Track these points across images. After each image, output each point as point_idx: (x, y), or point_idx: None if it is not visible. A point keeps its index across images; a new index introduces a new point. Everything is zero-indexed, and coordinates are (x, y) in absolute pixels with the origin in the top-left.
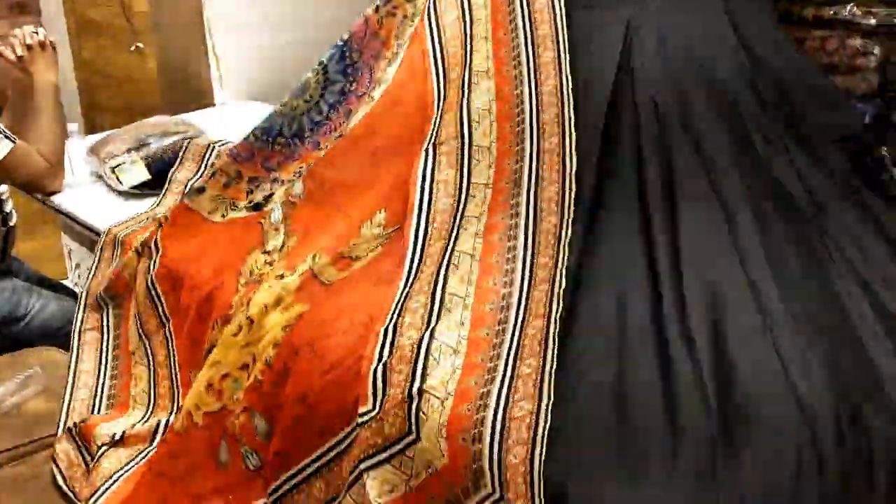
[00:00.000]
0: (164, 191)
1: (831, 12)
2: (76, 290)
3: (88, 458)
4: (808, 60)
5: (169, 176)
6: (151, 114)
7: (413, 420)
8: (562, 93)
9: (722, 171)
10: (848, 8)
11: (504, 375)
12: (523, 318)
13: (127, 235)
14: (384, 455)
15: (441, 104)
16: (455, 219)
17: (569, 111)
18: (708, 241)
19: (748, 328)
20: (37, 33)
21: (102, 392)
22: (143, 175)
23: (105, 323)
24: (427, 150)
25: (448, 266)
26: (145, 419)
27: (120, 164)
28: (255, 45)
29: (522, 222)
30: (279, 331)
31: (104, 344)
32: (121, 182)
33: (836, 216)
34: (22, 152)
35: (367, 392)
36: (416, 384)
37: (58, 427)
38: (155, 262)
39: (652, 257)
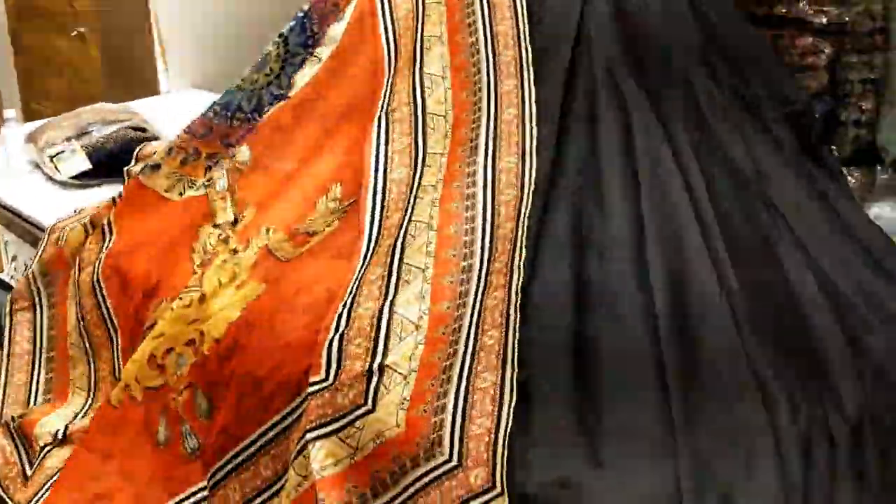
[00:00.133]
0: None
1: (783, 10)
2: (12, 283)
3: (28, 458)
4: (761, 37)
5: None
6: (93, 101)
7: (372, 393)
8: (521, 64)
9: (675, 138)
10: (800, 6)
11: (466, 348)
12: (484, 290)
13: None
14: (334, 426)
15: (392, 68)
16: (411, 188)
17: (529, 83)
18: (668, 207)
19: (707, 295)
20: None
21: (39, 376)
22: (83, 164)
23: (38, 301)
24: (380, 118)
25: (405, 236)
26: (85, 410)
27: (59, 153)
28: (202, 33)
29: (481, 193)
30: (233, 309)
31: (38, 324)
32: (59, 171)
33: (780, 186)
34: None
35: (321, 361)
36: (378, 359)
37: None
38: (104, 252)
39: (612, 224)
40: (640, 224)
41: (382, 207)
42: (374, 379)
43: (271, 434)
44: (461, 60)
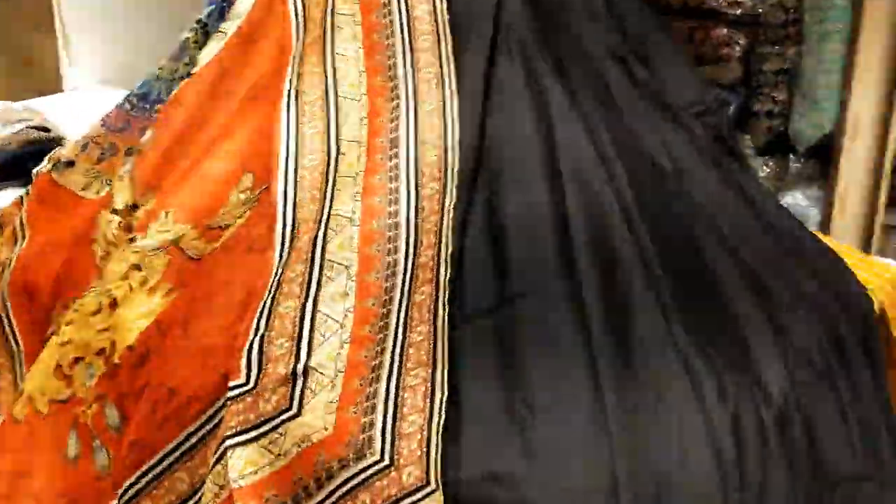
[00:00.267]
0: None
1: (698, 2)
2: None
3: None
4: (672, 38)
5: None
6: None
7: (297, 397)
8: (440, 51)
9: (595, 127)
10: None
11: (395, 346)
12: (410, 285)
13: None
14: (255, 433)
15: (301, 47)
16: (327, 177)
17: (448, 71)
18: (590, 196)
19: (633, 281)
20: None
21: None
22: None
23: None
24: (288, 100)
25: (326, 230)
26: None
27: None
28: (109, 26)
29: (404, 186)
30: (145, 315)
31: None
32: None
33: (696, 177)
34: None
35: (241, 365)
36: (302, 362)
37: None
38: (13, 257)
39: (537, 214)
40: (563, 213)
41: (295, 196)
42: (299, 382)
43: (187, 445)
44: (375, 42)
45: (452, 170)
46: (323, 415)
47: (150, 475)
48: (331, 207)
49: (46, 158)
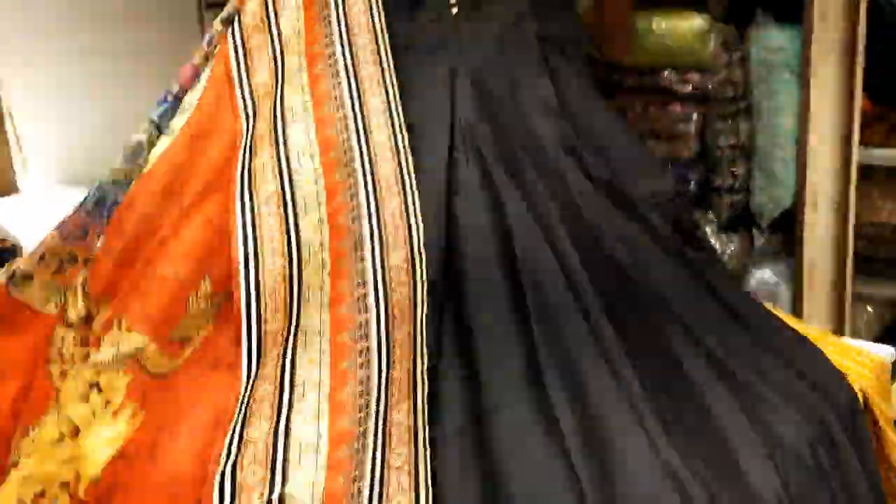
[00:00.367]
0: None
1: (648, 80)
2: None
3: None
4: (628, 128)
5: None
6: None
7: None
8: (397, 146)
9: (555, 242)
10: (664, 75)
11: (374, 471)
12: (386, 404)
13: None
14: None
15: (250, 139)
16: (291, 284)
17: (408, 168)
18: (552, 309)
19: (605, 391)
20: None
21: None
22: None
23: None
24: (242, 197)
25: (295, 347)
26: None
27: None
28: (64, 126)
29: (372, 293)
30: (110, 444)
31: None
32: None
33: (659, 271)
34: None
35: (213, 495)
36: (277, 489)
37: None
38: None
39: (501, 322)
40: (525, 318)
41: (259, 306)
42: None
43: None
44: (330, 137)
45: (422, 274)
46: None
47: None
48: (298, 319)
49: (2, 272)
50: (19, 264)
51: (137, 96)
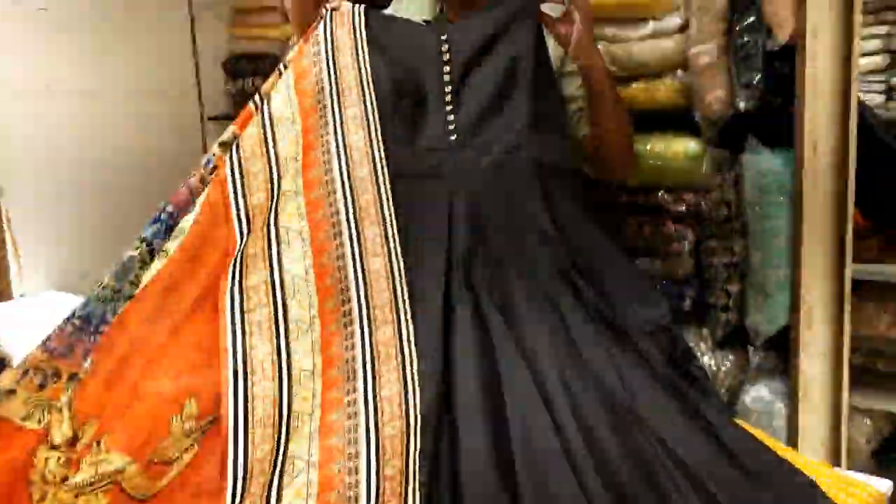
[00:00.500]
0: None
1: (643, 199)
2: None
3: None
4: (622, 253)
5: None
6: None
7: None
8: (392, 276)
9: (544, 377)
10: (659, 194)
11: None
12: None
13: None
14: None
15: (241, 260)
16: (281, 411)
17: (403, 298)
18: (535, 452)
19: None
20: None
21: None
22: None
23: None
24: (234, 320)
25: (282, 476)
26: None
27: None
28: (59, 233)
29: (363, 425)
30: None
31: None
32: None
33: (651, 405)
34: None
35: None
36: None
37: None
38: None
39: (488, 467)
40: (510, 463)
41: (247, 433)
42: None
43: None
44: (326, 264)
45: (416, 408)
46: None
47: None
48: (286, 448)
49: None
50: (2, 379)
51: (137, 206)
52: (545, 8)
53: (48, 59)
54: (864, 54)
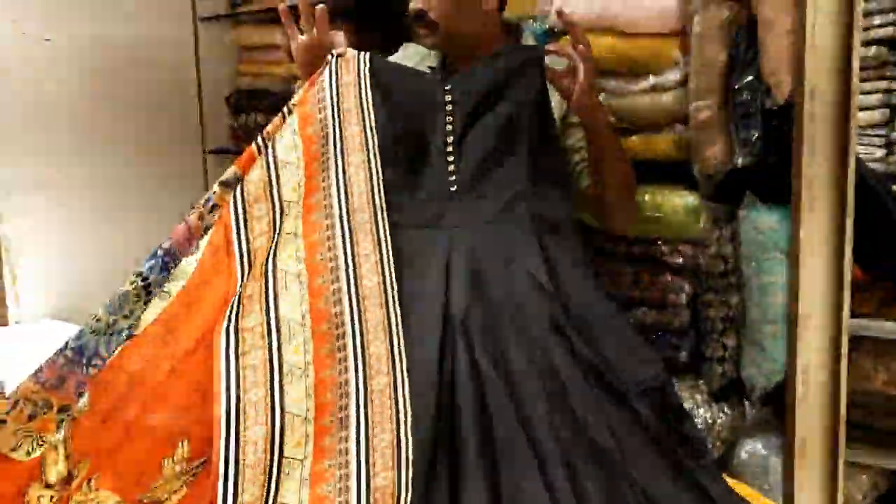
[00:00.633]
0: None
1: (640, 250)
2: None
3: None
4: (617, 309)
5: None
6: None
7: None
8: (389, 324)
9: (538, 437)
10: (656, 246)
11: None
12: None
13: None
14: None
15: (239, 301)
16: (272, 457)
17: (399, 347)
18: (526, 495)
19: None
20: None
21: None
22: None
23: None
24: (228, 362)
25: None
26: None
27: None
28: (57, 261)
29: (354, 475)
30: None
31: None
32: None
33: (643, 466)
34: None
35: None
36: None
37: None
38: None
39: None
40: None
41: (237, 478)
42: None
43: None
44: (322, 309)
45: (408, 459)
46: None
47: None
48: (276, 493)
49: None
50: None
51: (134, 234)
52: (549, 60)
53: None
54: (864, 108)
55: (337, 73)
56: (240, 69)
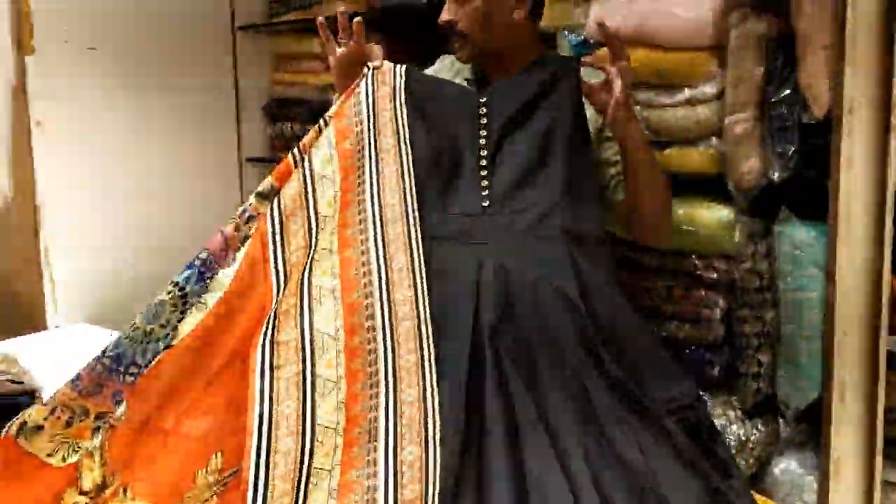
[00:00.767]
0: None
1: (674, 263)
2: None
3: None
4: (647, 327)
5: None
6: None
7: None
8: (420, 338)
9: (566, 451)
10: (691, 260)
11: None
12: None
13: None
14: None
15: (276, 315)
16: (301, 468)
17: (429, 361)
18: None
19: None
20: None
21: None
22: None
23: None
24: (263, 375)
25: None
26: None
27: None
28: (95, 267)
29: (382, 487)
30: None
31: None
32: None
33: (672, 485)
34: None
35: None
36: None
37: None
38: None
39: None
40: None
41: (266, 487)
42: None
43: None
44: (355, 324)
45: (435, 472)
46: None
47: None
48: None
49: (13, 421)
50: (30, 414)
51: (170, 241)
52: (585, 73)
53: (92, 103)
54: None
55: (373, 86)
56: (275, 78)
